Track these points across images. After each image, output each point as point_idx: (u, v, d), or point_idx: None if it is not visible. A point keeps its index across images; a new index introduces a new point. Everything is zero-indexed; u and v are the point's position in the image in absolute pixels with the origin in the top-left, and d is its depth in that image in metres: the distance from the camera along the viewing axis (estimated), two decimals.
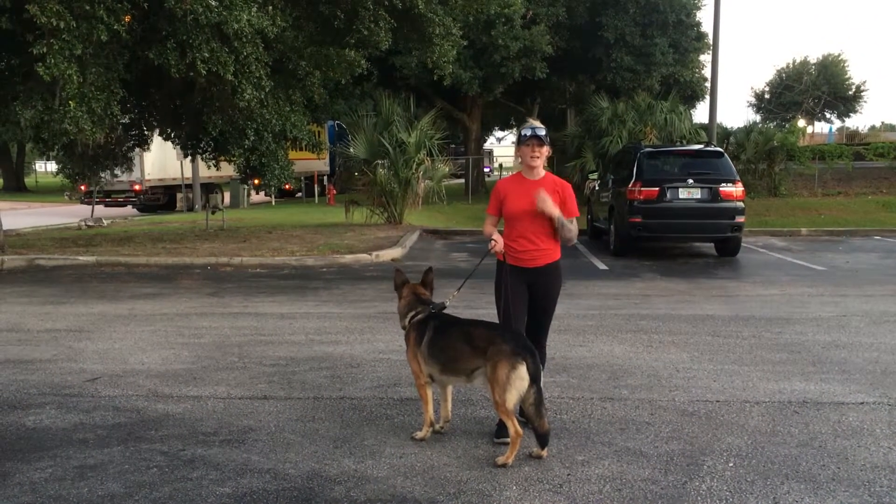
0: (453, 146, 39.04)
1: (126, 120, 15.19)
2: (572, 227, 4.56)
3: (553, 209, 4.43)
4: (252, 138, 13.02)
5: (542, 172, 4.59)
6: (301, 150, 15.90)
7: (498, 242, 4.49)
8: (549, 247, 4.56)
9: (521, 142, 4.56)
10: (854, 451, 4.28)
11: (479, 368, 4.17)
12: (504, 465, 4.06)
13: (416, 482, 3.91)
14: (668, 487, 3.84)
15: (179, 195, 26.74)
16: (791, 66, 62.01)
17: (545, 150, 4.53)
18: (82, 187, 22.84)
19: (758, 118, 53.50)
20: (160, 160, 24.58)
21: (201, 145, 14.94)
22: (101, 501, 3.73)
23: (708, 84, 24.92)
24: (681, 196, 12.65)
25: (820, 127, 63.58)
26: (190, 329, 7.60)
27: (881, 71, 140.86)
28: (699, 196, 12.64)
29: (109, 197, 25.27)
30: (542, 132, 4.51)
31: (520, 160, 4.64)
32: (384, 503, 3.69)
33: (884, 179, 27.25)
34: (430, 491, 3.81)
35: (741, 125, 28.75)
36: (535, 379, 4.02)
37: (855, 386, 5.52)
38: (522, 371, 4.00)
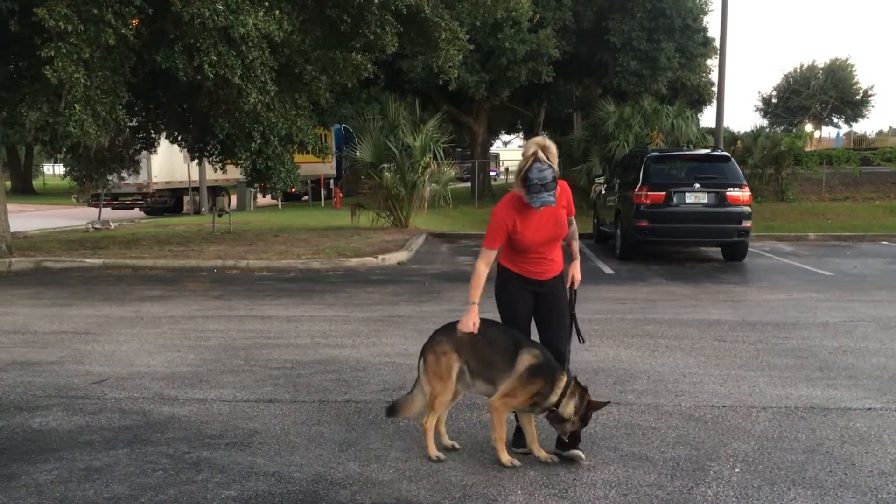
0: (459, 150, 39.06)
1: (133, 123, 15.24)
2: (576, 236, 4.54)
3: (579, 272, 4.47)
4: (258, 141, 13.06)
5: None
6: (307, 153, 15.95)
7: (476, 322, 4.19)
8: (558, 259, 4.43)
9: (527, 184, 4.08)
10: (861, 458, 4.26)
11: None
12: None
13: (421, 486, 3.91)
14: (673, 493, 3.82)
15: (186, 198, 26.81)
16: (798, 70, 61.93)
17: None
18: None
19: (765, 123, 53.49)
20: (167, 163, 24.63)
21: (208, 148, 14.99)
22: None
23: (715, 88, 24.91)
24: (687, 200, 12.63)
25: (827, 132, 63.48)
26: (196, 332, 7.61)
27: (889, 76, 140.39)
28: (706, 200, 12.62)
29: (117, 199, 25.35)
30: (555, 176, 4.07)
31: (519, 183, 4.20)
32: None
33: (891, 184, 27.11)
34: (436, 495, 3.80)
35: (748, 129, 28.64)
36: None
37: (862, 392, 5.49)
38: None
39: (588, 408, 4.14)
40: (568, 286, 4.45)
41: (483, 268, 4.30)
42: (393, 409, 4.41)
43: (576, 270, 4.47)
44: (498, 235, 4.26)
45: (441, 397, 4.19)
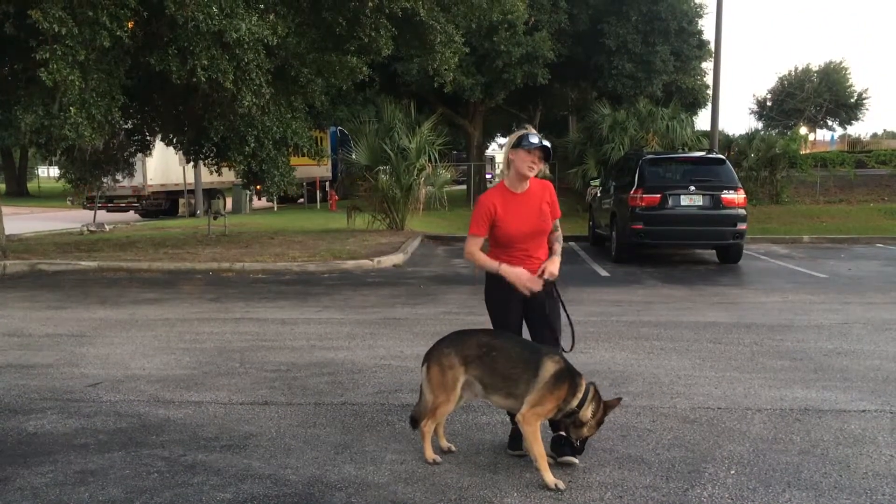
0: (455, 152, 39.02)
1: (128, 125, 15.21)
2: (560, 240, 4.47)
3: (556, 267, 4.31)
4: (252, 144, 13.03)
5: (528, 184, 4.31)
6: (302, 156, 15.96)
7: (522, 273, 4.16)
8: (544, 257, 4.38)
9: (521, 146, 4.17)
10: (856, 459, 4.27)
11: None
12: None
13: (416, 489, 3.91)
14: (669, 494, 3.83)
15: (182, 200, 26.76)
16: (793, 73, 62.01)
17: (542, 165, 4.26)
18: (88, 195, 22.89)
19: (760, 125, 53.55)
20: (162, 165, 24.61)
21: (203, 151, 14.95)
22: None
23: (710, 91, 24.95)
24: (682, 203, 12.66)
25: (822, 134, 63.54)
26: (191, 334, 7.60)
27: (883, 79, 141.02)
28: (701, 203, 12.65)
29: (112, 202, 25.30)
30: (549, 145, 4.24)
31: (507, 164, 4.29)
32: None
33: (886, 187, 27.20)
34: (431, 497, 3.80)
35: (743, 132, 28.72)
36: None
37: (857, 394, 5.51)
38: None
39: (605, 410, 4.12)
40: (537, 275, 4.25)
41: (476, 249, 4.31)
42: (415, 421, 4.33)
43: (552, 265, 4.28)
44: (482, 220, 4.28)
45: (443, 407, 4.15)
